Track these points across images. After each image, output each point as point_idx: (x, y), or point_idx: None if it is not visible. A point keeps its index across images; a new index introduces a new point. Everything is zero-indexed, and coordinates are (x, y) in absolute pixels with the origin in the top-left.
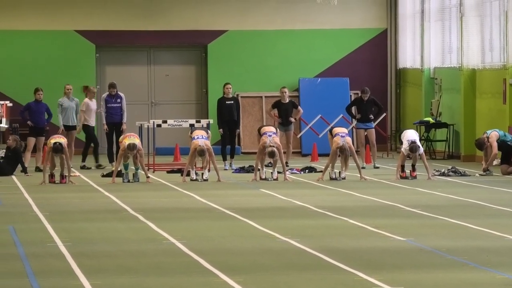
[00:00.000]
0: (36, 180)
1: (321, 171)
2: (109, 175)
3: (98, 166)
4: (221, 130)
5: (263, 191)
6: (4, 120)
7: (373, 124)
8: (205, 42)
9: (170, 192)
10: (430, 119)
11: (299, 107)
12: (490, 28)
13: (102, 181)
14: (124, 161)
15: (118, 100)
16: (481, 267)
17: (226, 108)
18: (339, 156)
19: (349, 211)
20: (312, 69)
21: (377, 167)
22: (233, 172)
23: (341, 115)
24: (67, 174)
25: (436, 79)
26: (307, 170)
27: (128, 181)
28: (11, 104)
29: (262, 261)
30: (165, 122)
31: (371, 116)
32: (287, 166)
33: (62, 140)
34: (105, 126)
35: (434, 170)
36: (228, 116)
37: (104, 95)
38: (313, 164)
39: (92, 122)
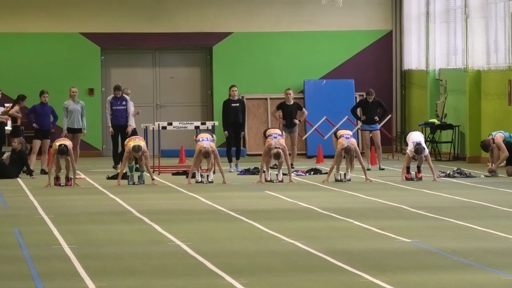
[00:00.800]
0: (41, 183)
1: (326, 173)
2: (114, 177)
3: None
4: (226, 132)
5: (268, 193)
6: (9, 122)
7: (378, 126)
8: (210, 44)
9: (175, 194)
10: (435, 120)
11: (303, 109)
12: (495, 29)
13: (107, 183)
14: (129, 163)
15: (124, 103)
16: (487, 269)
17: (232, 111)
18: (344, 157)
19: (354, 212)
20: (317, 71)
21: (382, 169)
22: (238, 174)
23: (346, 117)
24: (72, 177)
25: (441, 80)
26: (312, 172)
27: (134, 184)
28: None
29: (267, 263)
30: (170, 124)
31: (376, 118)
32: (292, 168)
33: (67, 142)
34: (111, 129)
35: (440, 171)
36: (233, 119)
37: (110, 97)
38: (318, 166)
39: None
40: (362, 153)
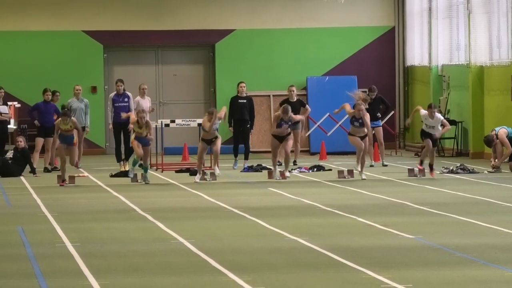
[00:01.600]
0: (44, 181)
1: (329, 170)
2: (117, 175)
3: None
4: (231, 128)
5: (271, 190)
6: (12, 121)
7: (381, 122)
8: (213, 41)
9: (179, 192)
10: None
11: (307, 105)
12: (497, 25)
13: (111, 182)
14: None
15: (126, 100)
16: (490, 264)
17: (238, 107)
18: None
19: (357, 209)
20: (320, 68)
21: (386, 165)
22: (241, 171)
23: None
24: (77, 160)
25: (444, 76)
26: (315, 169)
27: (136, 179)
28: (19, 105)
29: (270, 260)
30: (173, 121)
31: (379, 115)
32: (295, 164)
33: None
34: (110, 126)
35: (443, 167)
36: (239, 115)
37: (112, 94)
38: (321, 163)
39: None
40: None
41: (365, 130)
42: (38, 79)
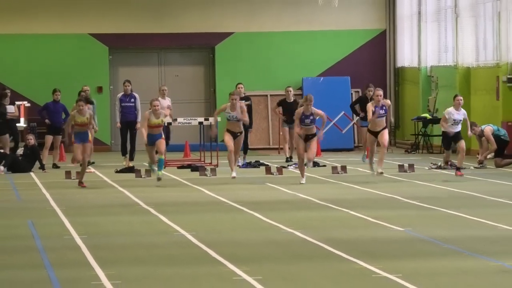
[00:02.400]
0: (53, 177)
1: (324, 166)
2: (122, 171)
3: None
4: None
5: (269, 185)
6: (22, 119)
7: None
8: (213, 43)
9: (180, 187)
10: (427, 115)
11: None
12: (484, 28)
13: (116, 177)
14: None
15: (132, 100)
16: (476, 255)
17: None
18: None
19: (350, 203)
20: (315, 69)
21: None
22: (240, 167)
23: (343, 112)
24: (88, 160)
25: (433, 77)
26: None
27: (154, 173)
28: (29, 105)
29: (267, 252)
30: (175, 120)
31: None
32: (291, 161)
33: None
34: (118, 124)
35: (431, 163)
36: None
37: (119, 94)
38: (315, 159)
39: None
40: (360, 146)
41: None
42: (47, 79)
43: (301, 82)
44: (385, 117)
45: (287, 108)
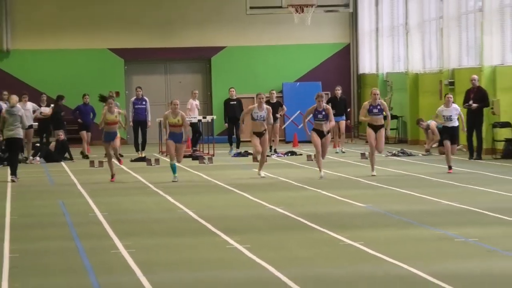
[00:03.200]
0: (80, 165)
1: (300, 154)
2: (137, 160)
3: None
4: (226, 124)
5: (255, 171)
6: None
7: (344, 117)
8: (209, 55)
9: (183, 173)
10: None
11: (283, 105)
12: (429, 41)
13: (131, 165)
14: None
15: (143, 103)
16: (423, 225)
17: (230, 107)
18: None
19: (321, 184)
20: (293, 75)
21: (344, 152)
22: (232, 156)
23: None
24: (118, 156)
25: (388, 81)
26: (289, 154)
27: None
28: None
29: (254, 224)
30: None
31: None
32: (275, 152)
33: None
34: (131, 123)
35: (387, 151)
36: (231, 113)
37: (133, 98)
38: (294, 149)
39: (195, 119)
40: (332, 139)
41: (382, 118)
42: (74, 86)
43: (281, 86)
44: (382, 115)
45: (271, 108)
